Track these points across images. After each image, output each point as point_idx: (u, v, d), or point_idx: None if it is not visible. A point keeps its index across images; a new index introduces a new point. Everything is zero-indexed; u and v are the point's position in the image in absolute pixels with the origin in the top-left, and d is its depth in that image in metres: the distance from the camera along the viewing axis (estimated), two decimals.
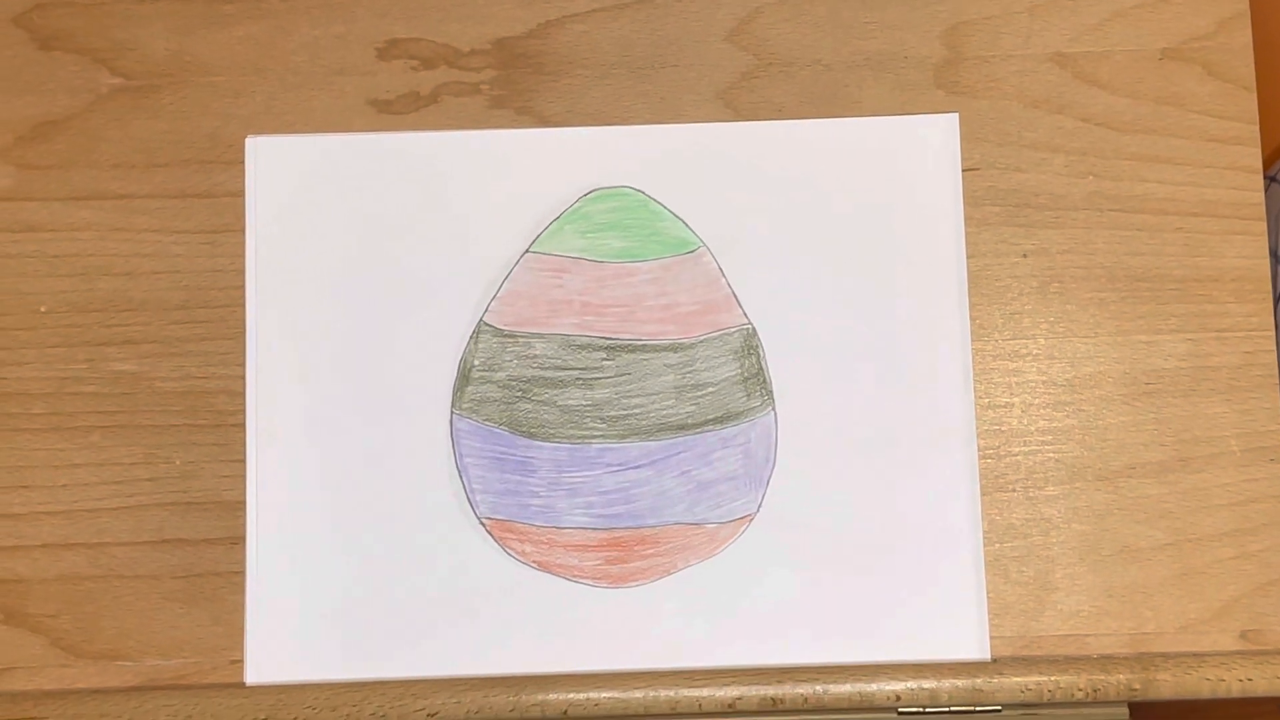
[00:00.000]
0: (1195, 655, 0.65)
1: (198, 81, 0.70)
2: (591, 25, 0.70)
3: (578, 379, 0.67)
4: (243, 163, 0.69)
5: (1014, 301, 0.68)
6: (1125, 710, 0.68)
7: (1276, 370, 0.67)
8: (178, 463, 0.67)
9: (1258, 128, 0.68)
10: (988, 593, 0.66)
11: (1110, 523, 0.66)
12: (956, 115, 0.69)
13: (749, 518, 0.67)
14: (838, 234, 0.68)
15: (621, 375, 0.67)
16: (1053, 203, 0.68)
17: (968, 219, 0.68)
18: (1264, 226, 0.68)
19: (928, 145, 0.68)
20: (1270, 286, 0.67)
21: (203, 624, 0.67)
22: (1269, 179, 0.80)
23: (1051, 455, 0.67)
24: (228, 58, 0.70)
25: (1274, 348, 0.67)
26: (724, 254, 0.68)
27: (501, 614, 0.67)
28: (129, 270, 0.68)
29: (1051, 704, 0.66)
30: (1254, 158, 0.68)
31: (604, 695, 0.65)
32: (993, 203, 0.68)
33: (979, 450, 0.67)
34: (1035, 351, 0.68)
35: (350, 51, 0.70)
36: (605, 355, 0.67)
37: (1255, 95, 0.68)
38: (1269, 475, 0.66)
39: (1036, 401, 0.67)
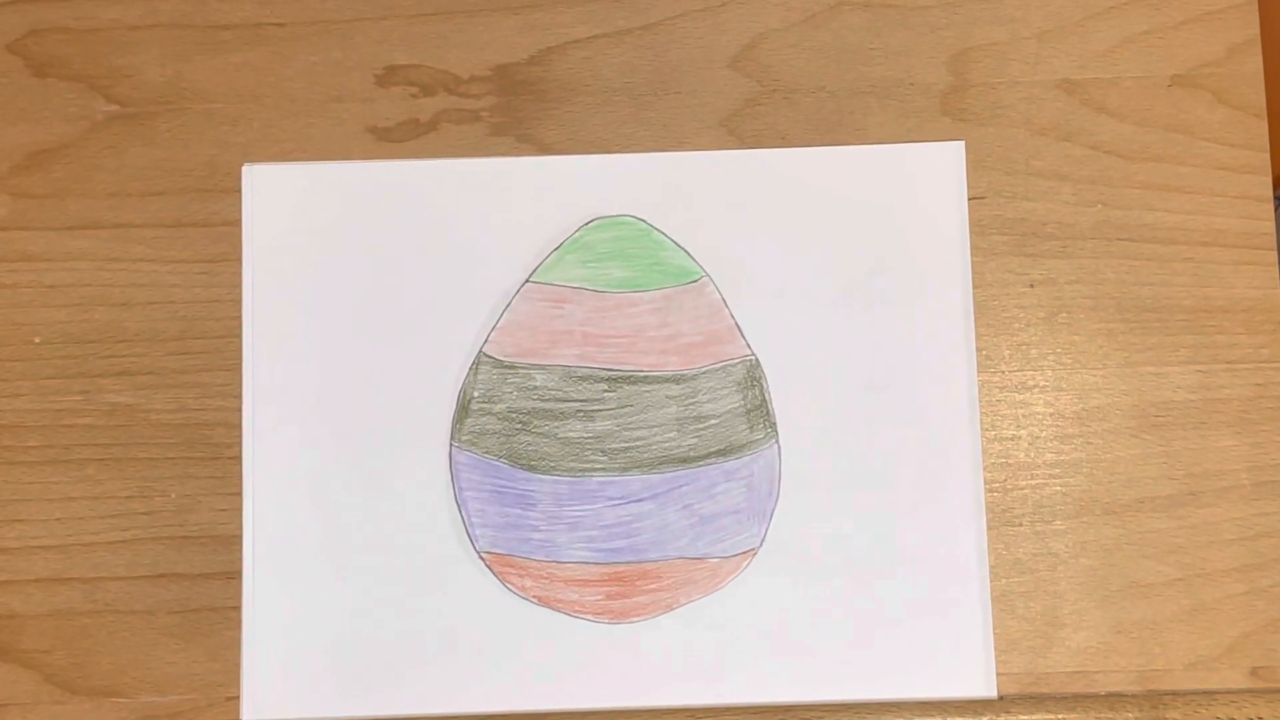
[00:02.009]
0: (1205, 693, 0.64)
1: (194, 109, 0.69)
2: (593, 51, 0.69)
3: (578, 411, 0.67)
4: (239, 191, 0.68)
5: (1021, 332, 0.67)
6: None
7: None
8: (173, 496, 0.66)
9: (1268, 155, 0.67)
10: (994, 629, 0.65)
11: (1119, 557, 0.65)
12: (963, 143, 0.68)
13: (752, 552, 0.66)
14: (842, 264, 0.67)
15: (623, 407, 0.66)
16: (1060, 232, 0.67)
17: (974, 248, 0.67)
18: (1274, 256, 0.67)
19: (933, 173, 0.68)
20: None
21: (199, 660, 0.66)
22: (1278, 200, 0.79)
23: (1059, 489, 0.66)
24: (225, 84, 0.69)
25: None
26: (727, 284, 0.67)
27: (501, 650, 0.66)
28: (125, 300, 0.67)
29: None
30: (1264, 186, 0.67)
31: None
32: (999, 232, 0.67)
33: (985, 483, 0.66)
34: (1042, 383, 0.67)
35: (349, 78, 0.69)
36: (606, 387, 0.67)
37: (1266, 122, 0.68)
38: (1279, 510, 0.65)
39: (1044, 434, 0.66)
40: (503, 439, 0.66)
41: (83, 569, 0.66)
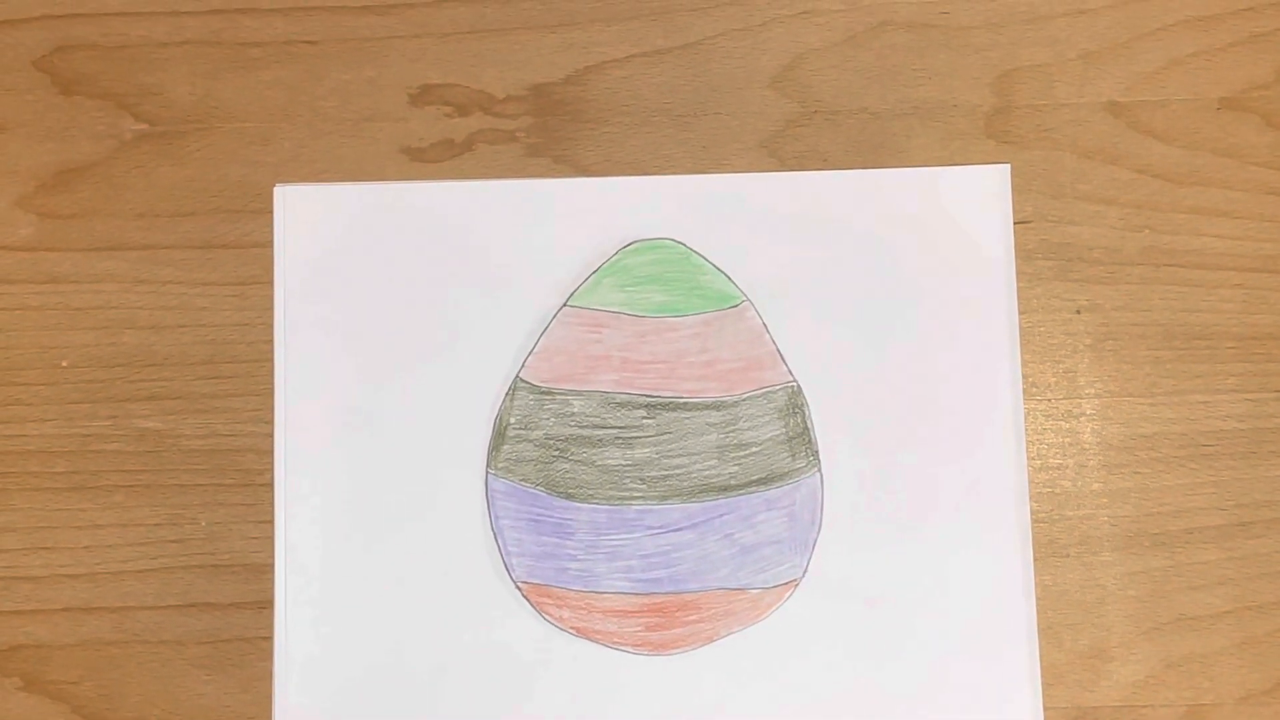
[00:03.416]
0: None
1: (224, 128, 0.68)
2: (631, 71, 0.68)
3: (617, 438, 0.65)
4: (271, 212, 0.67)
5: (1067, 359, 0.66)
6: None
7: None
8: (204, 524, 0.65)
9: None
10: (1041, 662, 0.64)
11: (1167, 589, 0.64)
12: (1008, 166, 0.66)
13: (794, 583, 0.65)
14: (885, 289, 0.66)
15: (662, 434, 0.65)
16: (1107, 257, 0.66)
17: (1019, 273, 0.66)
18: None
19: (978, 197, 0.66)
20: None
21: (230, 691, 0.65)
22: None
23: (1106, 519, 0.65)
24: (255, 103, 0.68)
25: None
26: (768, 309, 0.66)
27: (539, 681, 0.64)
28: (153, 324, 0.66)
29: None
30: None
31: None
32: (1045, 257, 0.66)
33: (1031, 514, 0.65)
34: (1089, 411, 0.66)
35: (382, 97, 0.68)
36: (645, 414, 0.65)
37: None
38: None
39: (1091, 463, 0.65)
40: (540, 466, 0.65)
41: (111, 598, 0.65)
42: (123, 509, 0.65)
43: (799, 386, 0.65)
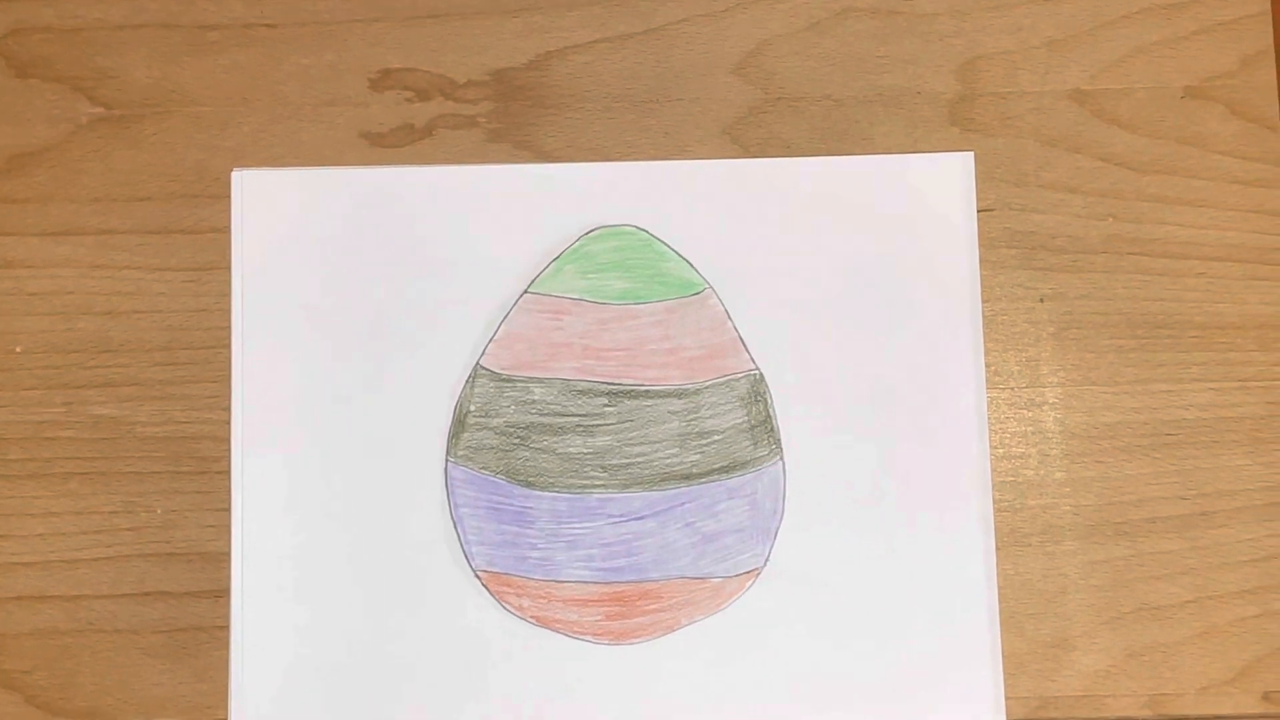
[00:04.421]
0: (1217, 717, 0.64)
1: (182, 112, 0.67)
2: (593, 56, 0.67)
3: (578, 426, 0.65)
4: (229, 197, 0.66)
5: (1030, 348, 0.65)
6: None
7: None
8: (159, 511, 0.65)
9: None
10: (1003, 651, 0.64)
11: (1129, 578, 0.64)
12: (972, 154, 0.66)
13: (755, 572, 0.64)
14: (848, 277, 0.66)
15: (623, 422, 0.65)
16: (1070, 245, 0.66)
17: (983, 261, 0.66)
18: None
19: (942, 184, 0.66)
20: None
21: (185, 681, 0.64)
22: None
23: (1069, 508, 0.65)
24: (213, 87, 0.67)
25: None
26: (730, 296, 0.65)
27: (497, 671, 0.64)
28: (109, 309, 0.65)
29: None
30: (1279, 200, 0.66)
31: None
32: (1008, 245, 0.66)
33: (994, 503, 0.65)
34: (1052, 400, 0.65)
35: (342, 82, 0.67)
36: (607, 401, 0.65)
37: None
38: None
39: (1054, 452, 0.65)
40: (500, 454, 0.65)
41: (65, 586, 0.64)
42: (77, 496, 0.65)
43: (761, 374, 0.65)
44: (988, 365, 0.65)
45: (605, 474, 0.65)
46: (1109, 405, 0.65)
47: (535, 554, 0.64)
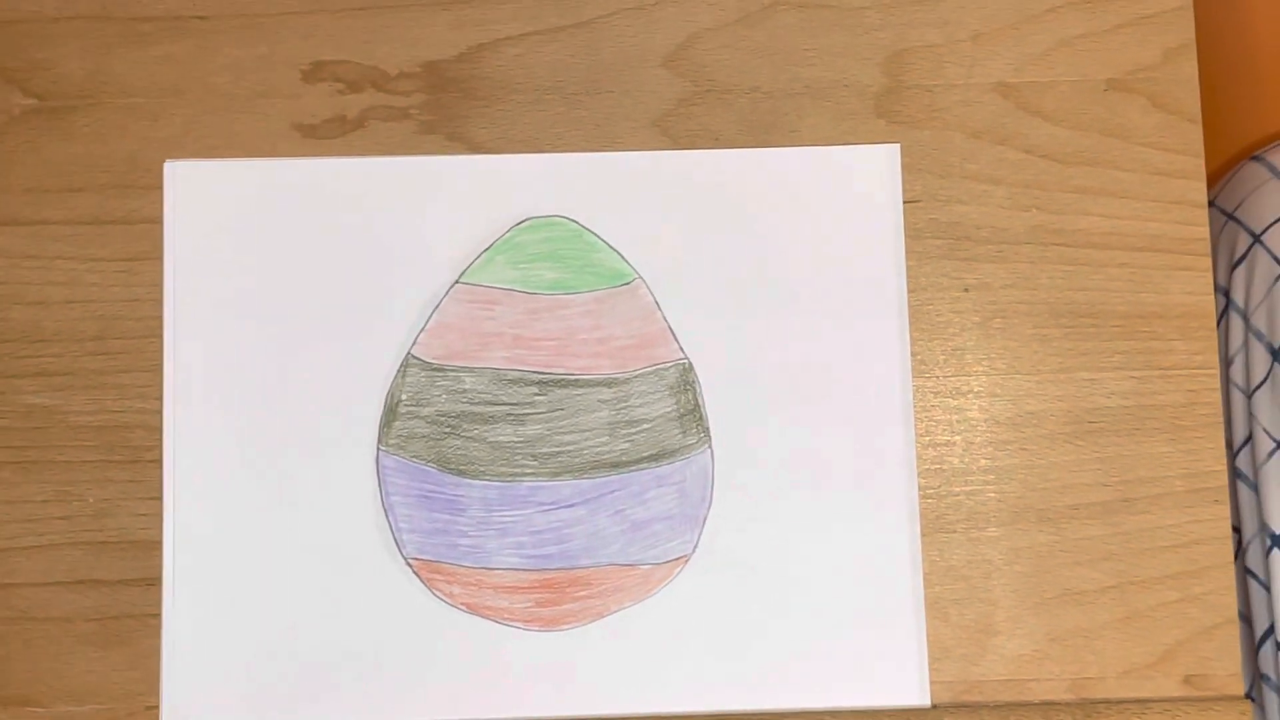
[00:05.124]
0: (1139, 701, 0.64)
1: (115, 103, 0.67)
2: (524, 49, 0.68)
3: (508, 414, 0.65)
4: (161, 188, 0.66)
5: (955, 337, 0.66)
6: None
7: (1220, 410, 0.66)
8: (92, 500, 0.65)
9: (1203, 161, 0.67)
10: (928, 636, 0.65)
11: (1053, 564, 0.65)
12: (898, 146, 0.67)
13: (684, 559, 0.65)
14: (776, 267, 0.66)
15: (554, 411, 0.65)
16: (995, 236, 0.67)
17: (908, 252, 0.66)
18: (1209, 262, 0.66)
19: (868, 176, 0.67)
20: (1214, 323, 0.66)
21: (118, 668, 0.64)
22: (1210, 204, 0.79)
23: (993, 495, 0.65)
24: (146, 78, 0.67)
25: (1218, 386, 0.66)
26: (660, 286, 0.66)
27: (428, 658, 0.64)
28: (41, 299, 0.66)
29: None
30: (1199, 191, 0.67)
31: None
32: (934, 235, 0.67)
33: (919, 489, 0.65)
34: (977, 389, 0.66)
35: (274, 73, 0.67)
36: (537, 390, 0.65)
37: (1200, 127, 0.67)
38: (1213, 516, 0.65)
39: (978, 440, 0.66)
40: (431, 443, 0.65)
41: None
42: (9, 485, 0.65)
43: (690, 363, 0.66)
44: (913, 354, 0.66)
45: (535, 462, 0.65)
46: (1033, 393, 0.66)
47: (466, 541, 0.65)
